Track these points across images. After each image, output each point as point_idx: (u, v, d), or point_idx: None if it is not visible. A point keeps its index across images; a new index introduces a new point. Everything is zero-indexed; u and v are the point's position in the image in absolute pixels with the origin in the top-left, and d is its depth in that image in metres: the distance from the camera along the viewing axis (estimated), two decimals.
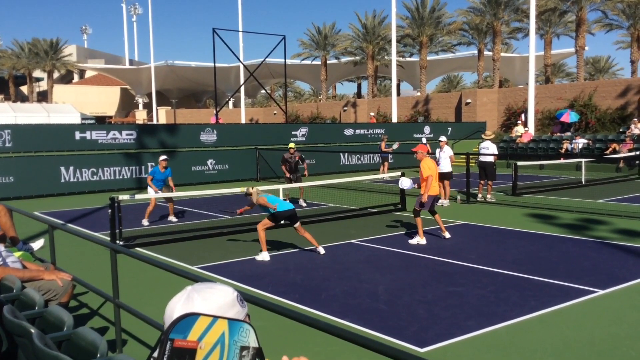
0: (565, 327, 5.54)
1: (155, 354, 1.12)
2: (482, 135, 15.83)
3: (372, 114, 40.54)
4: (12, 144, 17.65)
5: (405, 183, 10.63)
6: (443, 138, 15.11)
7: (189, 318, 1.13)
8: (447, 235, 9.98)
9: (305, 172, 15.24)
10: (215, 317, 1.15)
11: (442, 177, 14.46)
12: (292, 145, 14.82)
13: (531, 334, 5.38)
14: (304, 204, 14.50)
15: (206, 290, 1.24)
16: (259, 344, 1.20)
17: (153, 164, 19.80)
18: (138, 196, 11.20)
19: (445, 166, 14.56)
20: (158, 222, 12.41)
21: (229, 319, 1.17)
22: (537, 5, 32.16)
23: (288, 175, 14.50)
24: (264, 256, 8.61)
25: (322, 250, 8.85)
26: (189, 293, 1.23)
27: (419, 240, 9.66)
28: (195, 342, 1.10)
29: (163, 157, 12.54)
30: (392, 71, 35.22)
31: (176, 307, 1.21)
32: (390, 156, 22.47)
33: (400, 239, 10.12)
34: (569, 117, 27.25)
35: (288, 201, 9.25)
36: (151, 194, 12.24)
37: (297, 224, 8.78)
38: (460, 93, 37.49)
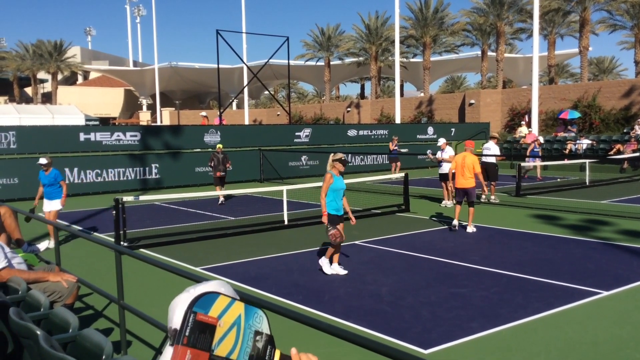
0: (569, 329, 5.54)
1: (163, 349, 1.13)
2: (489, 137, 15.91)
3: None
4: (16, 146, 17.73)
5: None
6: (443, 140, 15.11)
7: (211, 295, 1.15)
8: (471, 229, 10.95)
9: (228, 165, 16.02)
10: (233, 299, 1.17)
11: (444, 177, 14.48)
12: (220, 145, 16.07)
13: (535, 335, 5.38)
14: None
15: (207, 286, 1.25)
16: (271, 332, 1.21)
17: (157, 165, 19.87)
18: (143, 197, 11.20)
19: (447, 167, 14.52)
20: (162, 223, 12.43)
21: (245, 303, 1.19)
22: (541, 6, 32.04)
23: (218, 174, 15.44)
24: (338, 270, 7.67)
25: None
26: (191, 293, 1.24)
27: (472, 228, 10.91)
28: (216, 319, 1.12)
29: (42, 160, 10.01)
30: (396, 72, 35.18)
31: (177, 308, 1.22)
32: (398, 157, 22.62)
33: (404, 240, 10.12)
34: (568, 113, 27.25)
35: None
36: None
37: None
38: (463, 94, 37.44)
